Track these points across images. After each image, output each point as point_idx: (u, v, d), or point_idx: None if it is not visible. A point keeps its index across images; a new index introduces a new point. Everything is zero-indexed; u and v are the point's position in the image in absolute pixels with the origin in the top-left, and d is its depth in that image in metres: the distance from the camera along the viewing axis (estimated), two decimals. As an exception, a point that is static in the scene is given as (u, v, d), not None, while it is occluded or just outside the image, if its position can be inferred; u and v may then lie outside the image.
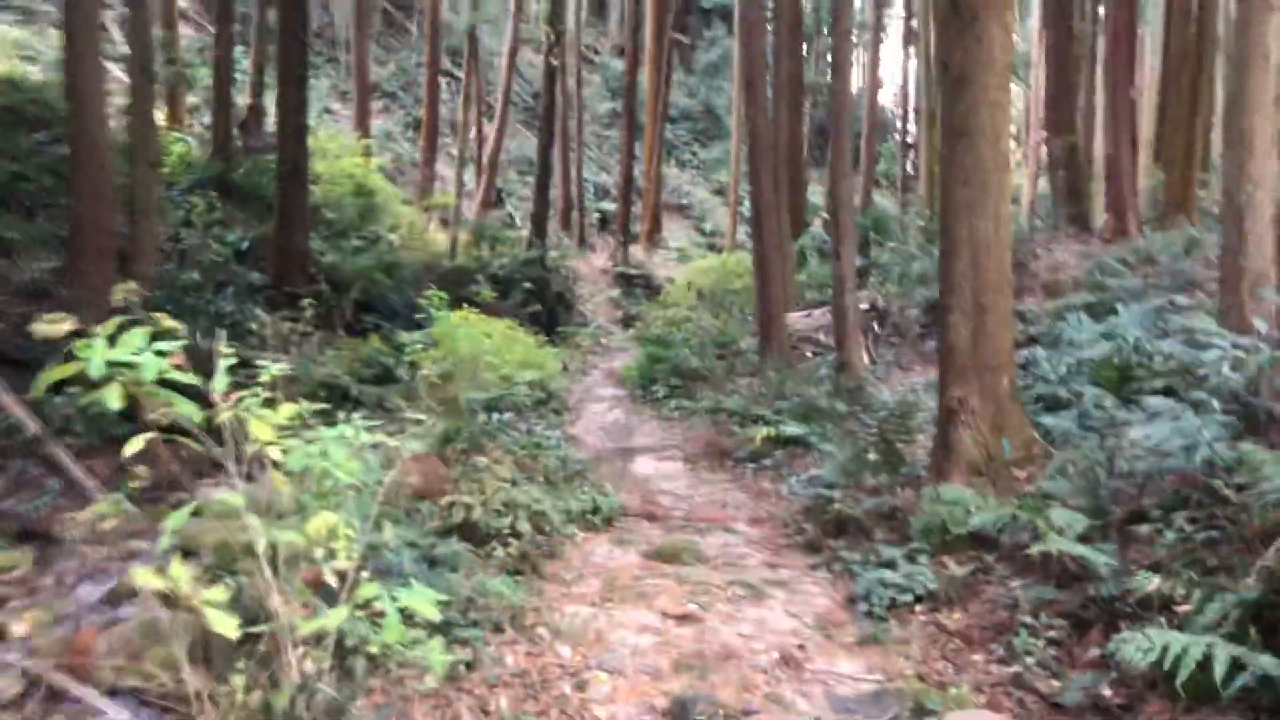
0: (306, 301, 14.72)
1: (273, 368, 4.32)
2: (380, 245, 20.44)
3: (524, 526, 7.19)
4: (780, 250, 14.63)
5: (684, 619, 6.03)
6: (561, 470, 9.32)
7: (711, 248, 31.15)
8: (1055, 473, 6.28)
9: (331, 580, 4.12)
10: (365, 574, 4.77)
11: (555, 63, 23.17)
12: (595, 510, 8.38)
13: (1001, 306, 7.40)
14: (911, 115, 37.34)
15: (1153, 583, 4.35)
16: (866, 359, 13.82)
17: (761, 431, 10.72)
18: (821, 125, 38.21)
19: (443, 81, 30.76)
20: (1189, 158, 17.12)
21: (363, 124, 23.53)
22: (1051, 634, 5.05)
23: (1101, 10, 21.91)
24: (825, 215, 20.08)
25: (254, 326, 14.41)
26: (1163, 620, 4.55)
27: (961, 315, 7.36)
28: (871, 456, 8.09)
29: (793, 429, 10.69)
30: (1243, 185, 7.58)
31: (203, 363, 4.06)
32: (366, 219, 21.05)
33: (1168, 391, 7.82)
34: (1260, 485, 4.73)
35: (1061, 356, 9.74)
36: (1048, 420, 7.67)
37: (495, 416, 10.78)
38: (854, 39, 31.54)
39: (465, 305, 17.14)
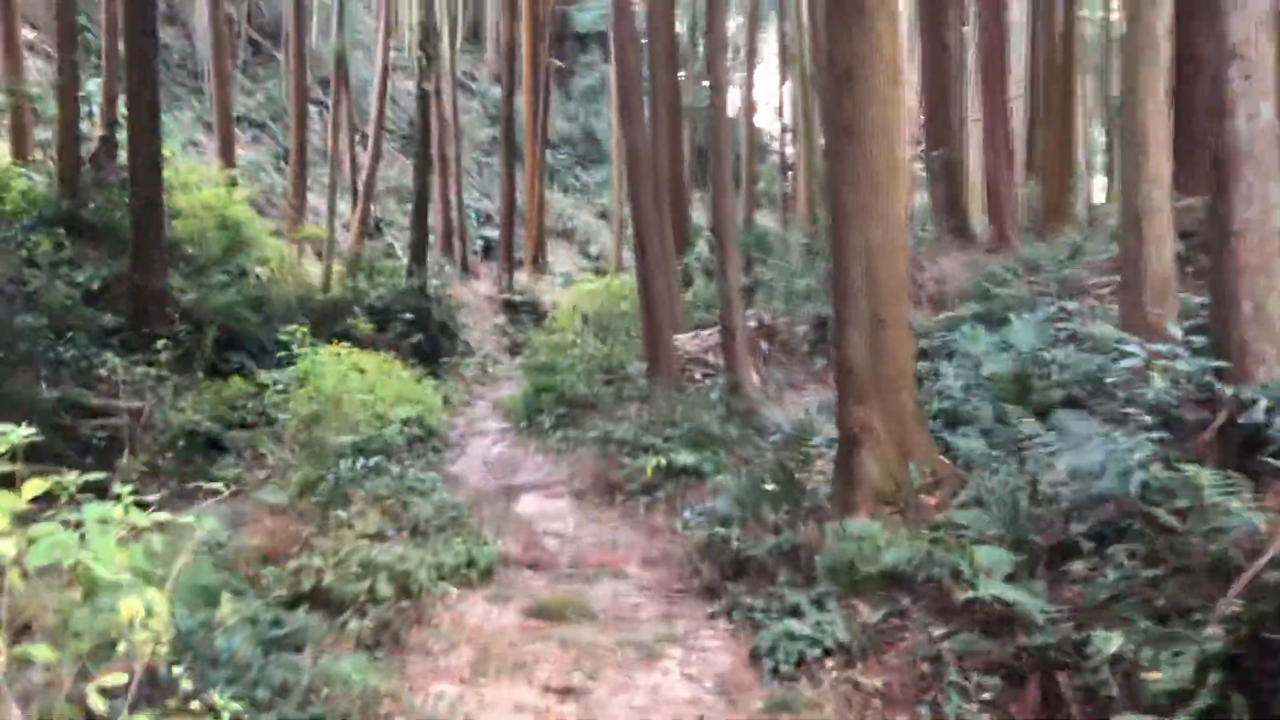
0: (161, 343, 13.44)
1: (14, 434, 3.31)
2: (246, 280, 19.11)
3: (385, 589, 6.23)
4: (665, 270, 13.91)
5: (568, 693, 5.17)
6: (435, 518, 8.35)
7: (598, 271, 30.40)
8: (971, 499, 5.61)
9: (98, 705, 3.15)
10: (179, 669, 3.83)
11: (429, 87, 22.19)
12: (471, 563, 7.43)
13: (900, 318, 6.76)
14: (789, 137, 37.31)
15: (1113, 644, 3.66)
16: (757, 379, 13.17)
17: (652, 461, 9.91)
18: (701, 148, 37.97)
19: (315, 110, 29.45)
20: (1064, 166, 17.07)
21: (227, 154, 22.10)
22: (985, 695, 4.33)
23: (966, 28, 21.98)
24: (709, 234, 19.52)
25: (103, 372, 13.07)
26: (1109, 676, 3.86)
27: (858, 330, 6.69)
28: (769, 487, 7.35)
29: (685, 458, 9.91)
30: (1140, 186, 7.10)
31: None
32: (231, 253, 19.66)
33: (1071, 403, 7.31)
34: (1205, 512, 4.10)
35: (957, 370, 9.21)
36: (953, 440, 7.04)
37: (362, 461, 9.74)
38: (729, 58, 31.31)
39: (337, 340, 16.10)
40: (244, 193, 21.26)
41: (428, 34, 22.06)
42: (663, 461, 9.82)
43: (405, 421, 12.69)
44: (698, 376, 13.79)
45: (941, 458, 6.78)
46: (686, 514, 8.85)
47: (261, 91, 30.42)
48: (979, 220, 18.89)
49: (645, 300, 13.30)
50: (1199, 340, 5.56)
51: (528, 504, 10.22)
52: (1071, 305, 10.11)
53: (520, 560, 8.08)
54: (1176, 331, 5.70)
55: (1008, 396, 8.00)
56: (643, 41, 18.69)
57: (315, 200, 27.64)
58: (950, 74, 17.36)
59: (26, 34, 22.83)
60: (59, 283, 15.40)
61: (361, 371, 13.86)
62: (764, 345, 14.46)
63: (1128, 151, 7.17)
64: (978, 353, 9.30)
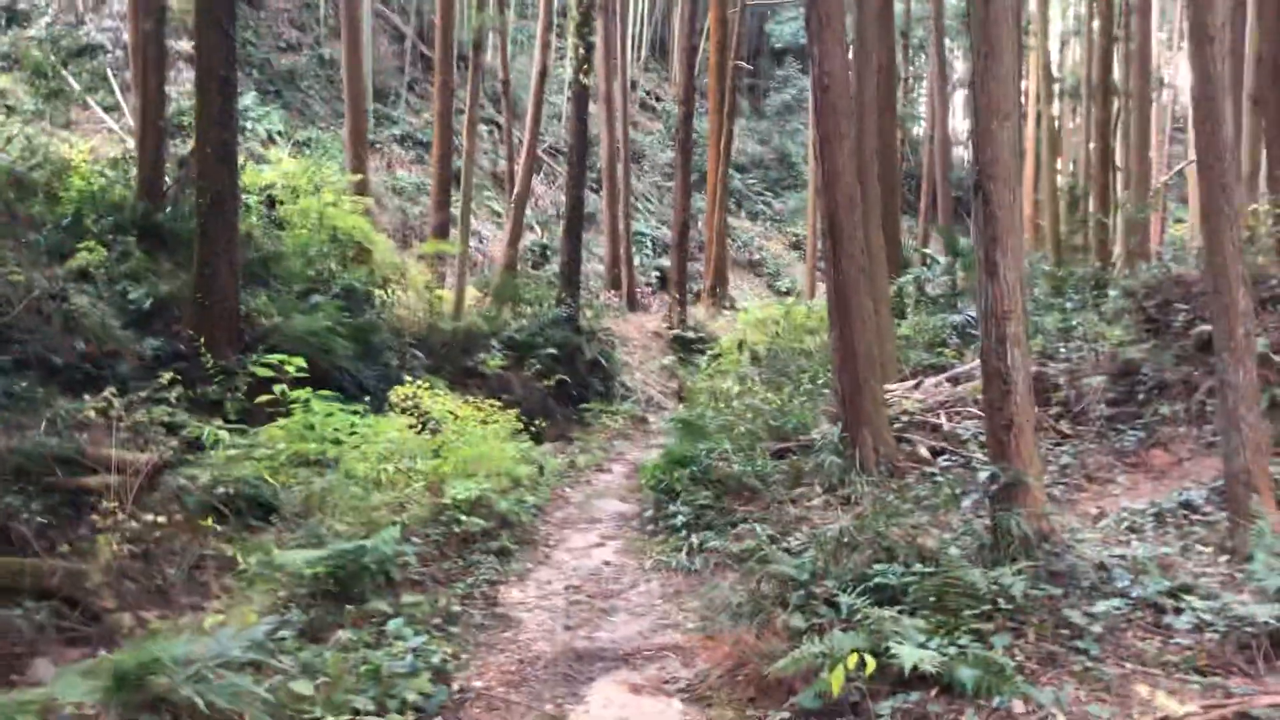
0: (168, 378, 9.01)
1: None
2: (355, 302, 14.73)
3: None
4: (871, 285, 8.35)
5: None
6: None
7: (787, 309, 24.86)
8: None
9: None
10: None
11: (586, 80, 17.48)
12: None
13: None
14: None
15: None
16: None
17: (846, 652, 4.40)
18: (912, 173, 32.11)
19: (484, 129, 25.53)
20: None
21: (357, 163, 18.05)
22: None
23: None
24: (929, 254, 13.80)
25: (59, 414, 8.68)
26: None
27: None
28: None
29: (914, 651, 4.36)
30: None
31: None
32: (347, 272, 15.37)
33: None
34: None
35: None
36: None
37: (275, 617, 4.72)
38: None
39: (448, 380, 11.48)
40: (366, 203, 17.01)
41: (586, 18, 17.40)
42: (867, 657, 4.30)
43: (458, 506, 7.65)
44: (923, 452, 8.11)
45: None
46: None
47: (429, 110, 26.75)
48: None
49: (839, 325, 7.74)
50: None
51: (598, 712, 4.92)
52: None
53: None
54: None
55: None
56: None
57: (479, 226, 23.61)
58: None
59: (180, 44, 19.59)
60: (101, 302, 11.36)
61: (418, 427, 9.02)
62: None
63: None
64: None
